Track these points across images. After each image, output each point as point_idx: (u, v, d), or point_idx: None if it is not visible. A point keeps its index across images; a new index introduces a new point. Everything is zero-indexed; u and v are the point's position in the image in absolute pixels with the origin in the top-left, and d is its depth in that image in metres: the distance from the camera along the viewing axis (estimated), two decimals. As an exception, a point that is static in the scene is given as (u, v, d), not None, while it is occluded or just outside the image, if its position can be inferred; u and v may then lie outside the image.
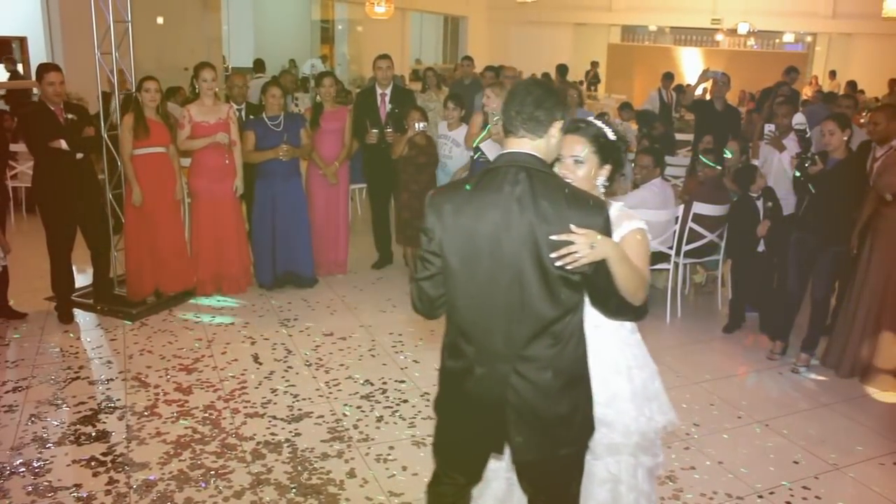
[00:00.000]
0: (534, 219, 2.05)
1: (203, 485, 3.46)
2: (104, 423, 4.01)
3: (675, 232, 5.60)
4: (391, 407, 4.28)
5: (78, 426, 3.97)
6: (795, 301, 5.06)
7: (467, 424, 2.29)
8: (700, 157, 5.96)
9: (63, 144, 5.10)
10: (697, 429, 4.11)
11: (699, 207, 5.57)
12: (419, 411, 4.23)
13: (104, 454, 3.70)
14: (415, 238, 6.25)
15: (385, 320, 5.59)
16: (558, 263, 2.04)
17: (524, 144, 2.15)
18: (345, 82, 14.09)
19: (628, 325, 2.62)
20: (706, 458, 3.84)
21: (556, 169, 2.39)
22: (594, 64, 19.39)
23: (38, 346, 4.98)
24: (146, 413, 4.12)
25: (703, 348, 5.34)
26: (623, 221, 2.45)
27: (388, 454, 3.78)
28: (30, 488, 3.40)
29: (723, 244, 5.77)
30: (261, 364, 4.80)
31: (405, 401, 4.36)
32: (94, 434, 3.89)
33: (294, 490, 3.44)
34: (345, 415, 4.17)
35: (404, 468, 3.66)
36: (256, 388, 4.47)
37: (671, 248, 5.64)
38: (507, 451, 2.30)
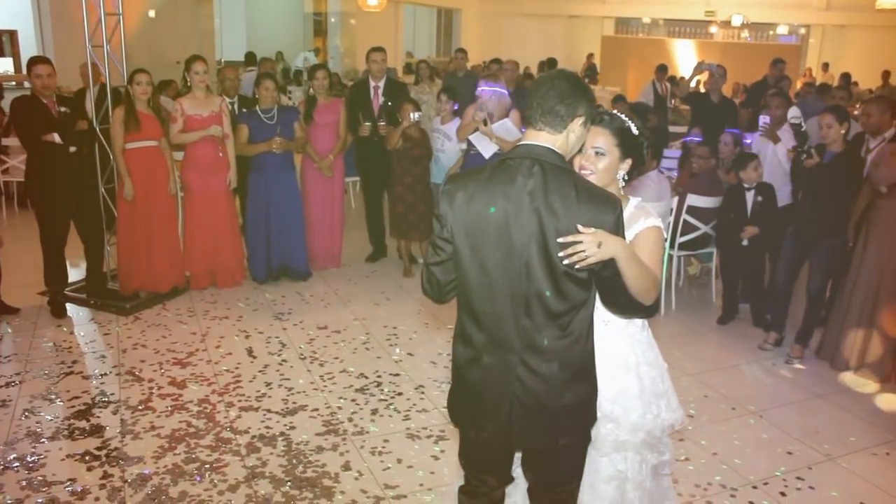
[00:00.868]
0: (543, 213, 2.05)
1: (198, 478, 3.46)
2: (98, 417, 4.00)
3: (669, 224, 5.61)
4: (386, 400, 4.28)
5: (72, 421, 3.95)
6: (782, 293, 5.07)
7: (481, 423, 2.27)
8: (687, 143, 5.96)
9: (56, 138, 5.07)
10: (692, 420, 4.11)
11: (693, 199, 5.58)
12: (414, 404, 4.23)
13: (98, 448, 3.69)
14: (409, 231, 6.30)
15: (379, 313, 5.59)
16: (566, 262, 2.04)
17: (542, 137, 2.14)
18: (339, 75, 14.05)
19: (638, 322, 2.61)
20: (700, 449, 3.85)
21: (577, 159, 2.38)
22: (590, 56, 19.36)
23: (32, 341, 4.96)
24: (140, 407, 4.11)
25: (697, 340, 5.35)
26: (640, 218, 2.43)
27: (383, 447, 3.78)
28: (24, 483, 3.39)
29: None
30: (255, 358, 4.79)
31: (400, 394, 4.36)
32: (88, 428, 3.88)
33: (289, 483, 3.44)
34: (339, 408, 4.17)
35: (399, 461, 3.66)
36: (251, 381, 4.46)
37: (666, 239, 5.64)
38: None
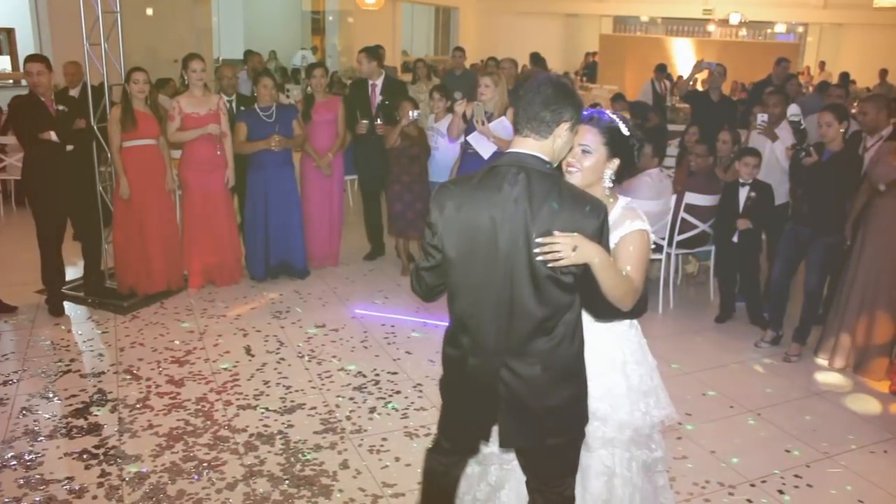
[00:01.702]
0: (528, 219, 2.09)
1: (196, 477, 3.45)
2: (96, 415, 4.00)
3: (668, 222, 5.61)
4: (384, 398, 4.28)
5: (70, 419, 3.95)
6: (777, 290, 5.08)
7: (464, 405, 2.36)
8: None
9: (53, 136, 5.06)
10: (689, 418, 4.12)
11: (691, 198, 5.58)
12: (412, 402, 4.23)
13: (96, 447, 3.69)
14: (407, 229, 6.28)
15: (377, 312, 5.58)
16: (539, 259, 2.08)
17: (528, 144, 2.17)
18: (339, 74, 14.04)
19: (626, 321, 2.61)
20: (698, 447, 3.86)
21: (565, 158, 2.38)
22: (588, 55, 19.33)
23: (29, 339, 4.96)
24: (138, 405, 4.10)
25: (695, 338, 5.35)
26: (626, 220, 2.43)
27: (381, 445, 3.78)
28: (22, 481, 3.39)
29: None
30: (253, 356, 4.79)
31: (398, 392, 4.36)
32: (85, 427, 3.87)
33: (287, 481, 3.44)
34: (337, 406, 4.17)
35: (397, 459, 3.66)
36: (249, 380, 4.46)
37: (664, 238, 5.65)
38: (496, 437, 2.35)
